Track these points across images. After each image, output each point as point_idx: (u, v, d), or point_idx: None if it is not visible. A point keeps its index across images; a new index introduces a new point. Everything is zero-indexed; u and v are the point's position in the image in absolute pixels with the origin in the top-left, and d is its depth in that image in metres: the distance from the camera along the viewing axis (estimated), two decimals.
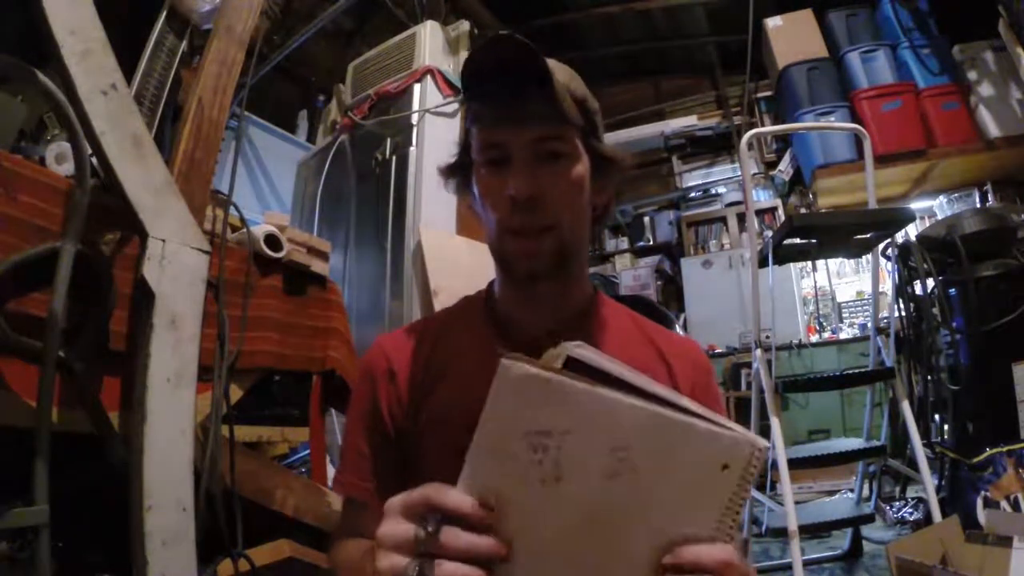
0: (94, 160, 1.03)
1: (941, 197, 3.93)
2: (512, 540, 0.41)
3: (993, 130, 3.52)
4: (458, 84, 2.27)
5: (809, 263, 4.18)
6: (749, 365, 3.40)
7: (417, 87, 2.21)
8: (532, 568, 0.42)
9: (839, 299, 4.46)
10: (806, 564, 2.07)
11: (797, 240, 2.06)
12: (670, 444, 0.40)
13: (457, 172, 0.72)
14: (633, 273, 4.87)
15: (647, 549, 0.41)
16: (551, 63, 0.62)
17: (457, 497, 0.40)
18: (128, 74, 1.23)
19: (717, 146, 5.01)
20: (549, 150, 0.63)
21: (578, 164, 0.65)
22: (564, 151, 0.64)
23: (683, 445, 0.40)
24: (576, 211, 0.65)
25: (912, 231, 2.60)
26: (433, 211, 2.05)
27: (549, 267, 0.65)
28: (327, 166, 2.43)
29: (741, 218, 4.63)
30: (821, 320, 4.34)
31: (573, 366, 0.43)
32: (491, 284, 0.76)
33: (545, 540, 0.42)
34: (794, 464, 1.88)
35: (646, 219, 5.14)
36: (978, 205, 3.78)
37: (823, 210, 4.01)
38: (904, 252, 2.31)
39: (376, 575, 0.40)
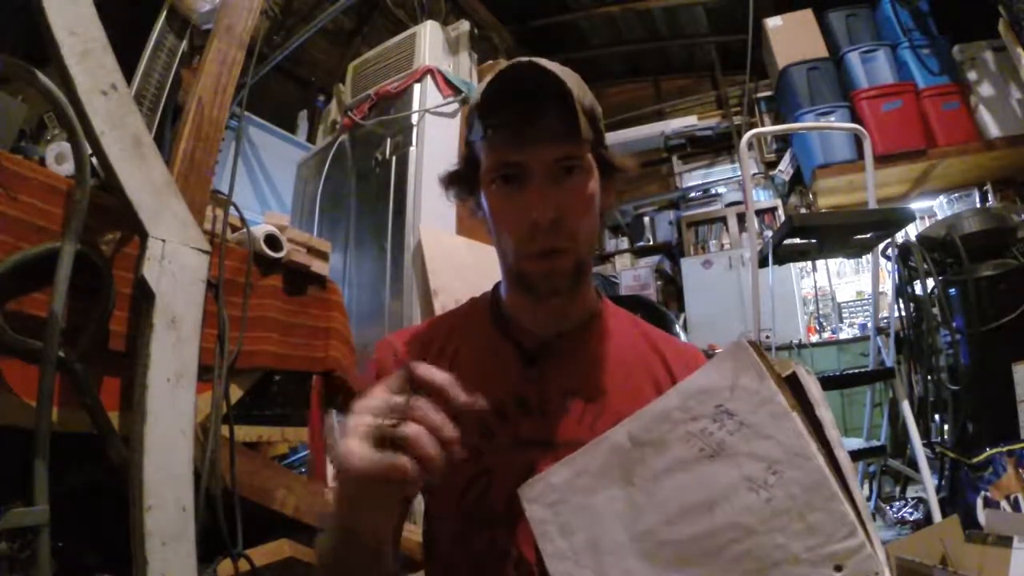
0: (94, 160, 1.03)
1: (941, 197, 3.94)
2: (635, 486, 0.45)
3: (993, 130, 3.52)
4: (458, 84, 2.27)
5: (809, 263, 4.18)
6: None
7: (417, 87, 2.21)
8: (640, 524, 0.45)
9: (839, 299, 4.46)
10: None
11: (797, 240, 2.06)
12: (815, 505, 0.40)
13: (459, 183, 0.71)
14: (633, 273, 4.87)
15: (732, 566, 0.42)
16: (563, 72, 0.62)
17: (437, 372, 0.44)
18: (128, 74, 1.23)
19: (717, 146, 5.01)
20: (565, 167, 0.63)
21: (592, 179, 0.65)
22: (579, 167, 0.63)
23: (824, 517, 0.40)
24: (590, 227, 0.66)
25: (912, 231, 2.60)
26: (433, 211, 2.05)
27: (568, 284, 0.65)
28: (327, 166, 2.43)
29: (741, 218, 4.63)
30: (821, 320, 4.33)
31: (793, 384, 0.44)
32: (496, 287, 0.76)
33: (663, 501, 0.45)
34: None
35: (646, 219, 5.14)
36: (978, 205, 3.78)
37: (823, 210, 4.01)
38: (904, 252, 2.31)
39: (346, 435, 0.43)
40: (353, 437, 0.42)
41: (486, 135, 0.63)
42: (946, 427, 2.29)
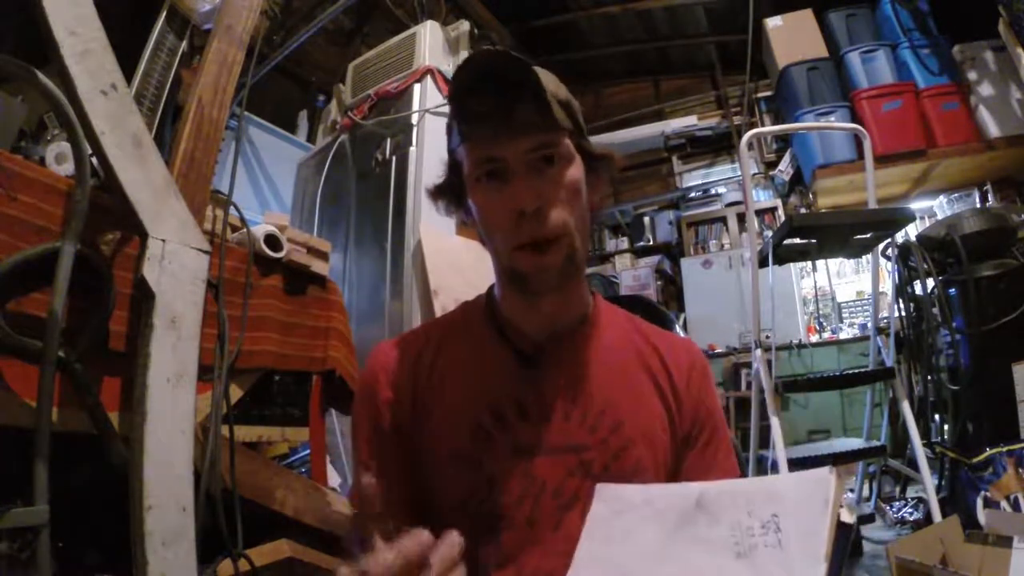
0: (94, 160, 1.03)
1: (941, 197, 3.94)
2: (674, 541, 0.47)
3: (993, 130, 3.51)
4: None
5: (809, 263, 4.18)
6: (749, 365, 3.40)
7: (417, 87, 2.21)
8: None
9: (839, 299, 4.46)
10: None
11: (797, 240, 2.06)
12: None
13: (447, 193, 0.71)
14: (633, 273, 4.87)
15: None
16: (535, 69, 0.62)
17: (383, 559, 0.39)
18: (128, 74, 1.23)
19: (717, 146, 5.00)
20: (545, 156, 0.62)
21: (573, 166, 0.65)
22: (559, 156, 0.63)
23: None
24: (579, 214, 0.65)
25: (912, 231, 2.60)
26: (433, 211, 2.04)
27: (562, 278, 0.65)
28: (327, 166, 2.43)
29: (741, 218, 4.63)
30: (821, 320, 4.33)
31: (842, 530, 0.46)
32: (490, 289, 0.75)
33: (681, 570, 0.46)
34: (794, 464, 1.88)
35: (646, 219, 5.14)
36: (978, 205, 3.78)
37: (823, 210, 4.01)
38: (904, 252, 2.31)
39: None
40: None
41: (463, 132, 0.64)
42: (946, 427, 2.29)
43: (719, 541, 0.45)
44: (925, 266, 2.21)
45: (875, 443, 2.12)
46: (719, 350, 4.13)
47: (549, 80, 0.63)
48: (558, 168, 0.63)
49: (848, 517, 0.46)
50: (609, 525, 0.51)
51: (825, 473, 0.44)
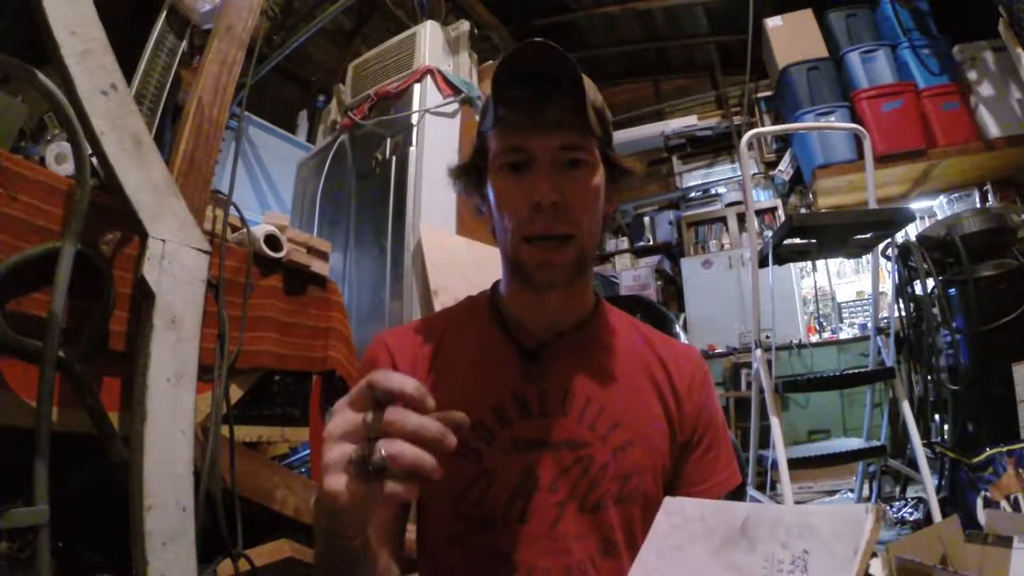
0: (94, 160, 1.03)
1: (941, 197, 3.93)
2: (715, 561, 0.48)
3: (993, 130, 3.51)
4: (458, 84, 2.27)
5: (809, 263, 4.18)
6: (749, 365, 3.40)
7: (417, 87, 2.21)
8: None
9: (839, 299, 4.46)
10: None
11: (797, 240, 2.06)
12: None
13: (468, 175, 0.72)
14: (633, 273, 4.87)
15: None
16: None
17: (399, 379, 0.40)
18: (128, 74, 1.23)
19: (717, 146, 5.00)
20: (571, 158, 0.63)
21: (597, 174, 0.65)
22: (585, 160, 0.64)
23: None
24: (593, 220, 0.66)
25: (912, 231, 2.60)
26: (433, 211, 2.05)
27: (567, 278, 0.65)
28: (327, 166, 2.43)
29: (741, 218, 4.63)
30: (821, 320, 4.33)
31: None
32: (495, 285, 0.76)
33: None
34: (794, 464, 1.88)
35: (646, 219, 5.14)
36: (978, 205, 3.78)
37: (823, 210, 4.01)
38: (904, 252, 2.31)
39: (323, 469, 0.39)
40: (332, 472, 0.39)
41: (497, 116, 0.64)
42: (946, 427, 2.29)
43: (751, 571, 0.46)
44: (925, 266, 2.21)
45: (875, 443, 2.12)
46: (719, 350, 4.13)
47: (588, 85, 0.64)
48: (582, 172, 0.64)
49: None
50: (664, 539, 0.52)
51: (860, 513, 0.43)
